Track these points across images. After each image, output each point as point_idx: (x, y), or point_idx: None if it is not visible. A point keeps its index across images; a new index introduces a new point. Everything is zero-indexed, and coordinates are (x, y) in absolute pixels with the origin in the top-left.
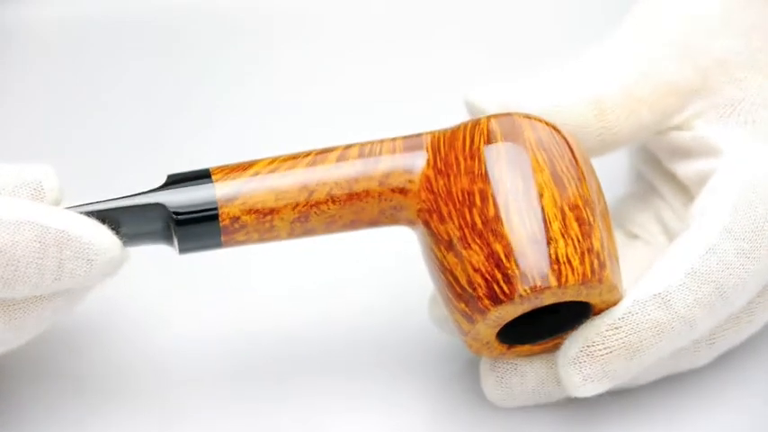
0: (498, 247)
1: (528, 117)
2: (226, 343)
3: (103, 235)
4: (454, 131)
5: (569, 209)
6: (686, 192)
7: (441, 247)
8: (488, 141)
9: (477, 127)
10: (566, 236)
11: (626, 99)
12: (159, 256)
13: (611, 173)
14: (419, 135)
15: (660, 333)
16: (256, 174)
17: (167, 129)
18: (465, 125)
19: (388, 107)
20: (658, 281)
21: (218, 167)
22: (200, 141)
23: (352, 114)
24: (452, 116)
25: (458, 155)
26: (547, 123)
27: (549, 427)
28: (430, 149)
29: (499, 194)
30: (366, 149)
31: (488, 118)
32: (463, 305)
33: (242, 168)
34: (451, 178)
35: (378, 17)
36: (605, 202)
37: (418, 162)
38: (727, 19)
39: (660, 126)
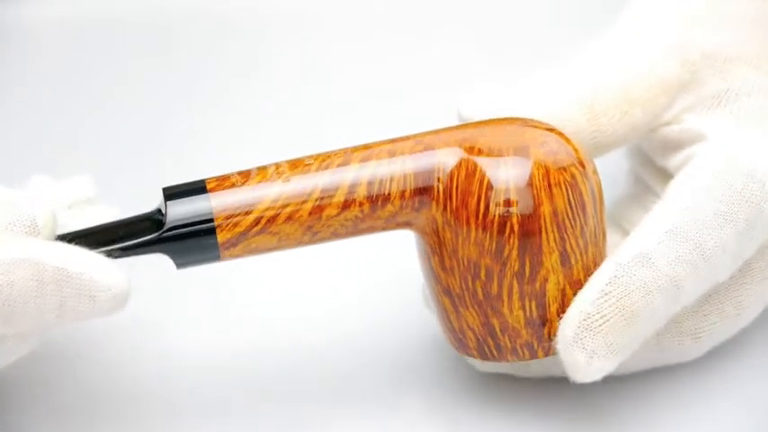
0: (495, 322)
1: (548, 182)
2: (224, 346)
3: (107, 271)
4: (468, 173)
5: (571, 286)
6: None
7: (439, 287)
8: (503, 216)
9: (493, 187)
10: (561, 314)
11: (619, 100)
12: (159, 265)
13: (612, 174)
14: (430, 157)
15: (649, 293)
16: (258, 219)
17: (166, 128)
18: (481, 176)
19: (387, 106)
20: (638, 242)
21: (216, 183)
22: (200, 141)
23: (350, 114)
24: (452, 115)
25: (470, 218)
26: (570, 156)
27: (549, 427)
28: (440, 189)
29: (505, 277)
30: (375, 187)
31: (507, 186)
32: (454, 340)
33: (243, 210)
34: (460, 240)
35: (377, 17)
36: (603, 226)
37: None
38: (713, 12)
39: (652, 124)
